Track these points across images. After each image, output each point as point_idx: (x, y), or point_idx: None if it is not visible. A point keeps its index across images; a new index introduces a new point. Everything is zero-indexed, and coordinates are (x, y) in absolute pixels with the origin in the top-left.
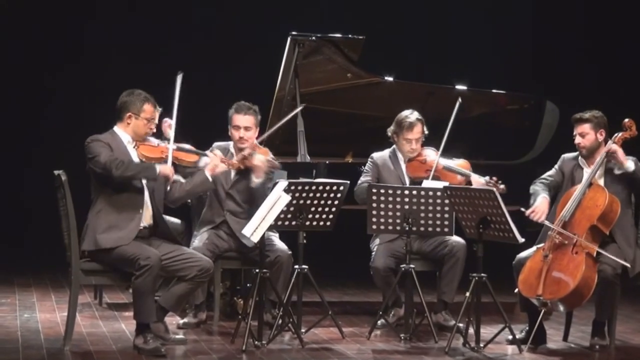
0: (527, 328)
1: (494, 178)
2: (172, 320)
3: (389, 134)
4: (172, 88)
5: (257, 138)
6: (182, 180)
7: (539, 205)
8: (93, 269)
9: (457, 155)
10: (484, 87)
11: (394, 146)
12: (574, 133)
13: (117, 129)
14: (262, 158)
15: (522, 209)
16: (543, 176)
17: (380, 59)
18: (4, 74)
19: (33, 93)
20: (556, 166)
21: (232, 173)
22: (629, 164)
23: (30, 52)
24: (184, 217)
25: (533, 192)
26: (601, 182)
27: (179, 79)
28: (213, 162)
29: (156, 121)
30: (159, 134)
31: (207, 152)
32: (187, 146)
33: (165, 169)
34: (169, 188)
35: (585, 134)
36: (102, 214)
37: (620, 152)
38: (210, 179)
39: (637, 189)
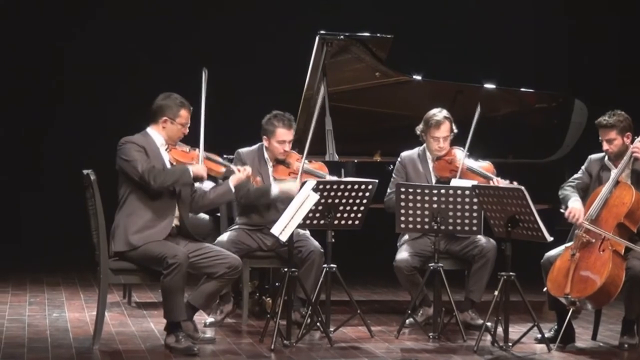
0: (556, 327)
1: (515, 183)
2: (201, 319)
3: (418, 132)
4: (199, 86)
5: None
6: (204, 188)
7: (574, 206)
8: (122, 267)
9: (485, 156)
10: (518, 85)
11: (424, 145)
12: (600, 138)
13: (151, 130)
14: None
15: (562, 210)
16: (570, 179)
17: (409, 57)
18: (28, 72)
19: (57, 91)
20: (583, 168)
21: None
22: None
23: (52, 51)
24: (212, 214)
25: (563, 196)
26: (628, 181)
27: (204, 76)
28: (239, 177)
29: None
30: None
31: (233, 166)
32: (216, 157)
33: (198, 169)
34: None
35: (613, 139)
36: (134, 217)
37: None
38: (233, 190)
39: None
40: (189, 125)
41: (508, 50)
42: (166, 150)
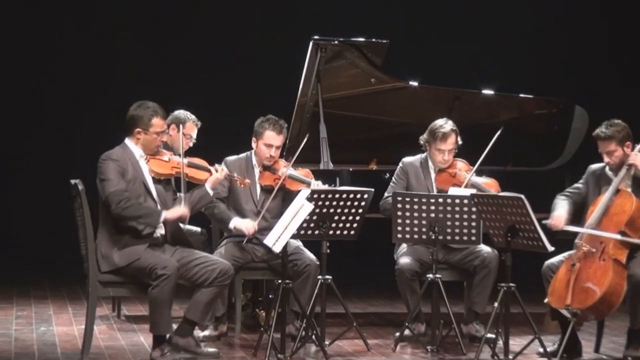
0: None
1: None
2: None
3: (422, 142)
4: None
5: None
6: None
7: (557, 215)
8: (111, 280)
9: (484, 163)
10: (517, 92)
11: (426, 153)
12: (600, 151)
13: (129, 142)
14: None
15: (544, 222)
16: (568, 189)
17: (405, 63)
18: (16, 78)
19: (45, 98)
20: (582, 179)
21: (259, 191)
22: None
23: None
24: (204, 226)
25: (553, 205)
26: (629, 190)
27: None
28: (215, 177)
29: (194, 136)
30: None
31: (212, 168)
32: (198, 160)
33: (174, 213)
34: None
35: (613, 151)
36: (116, 234)
37: None
38: (211, 193)
39: None
40: (166, 131)
41: (507, 55)
42: (145, 161)
